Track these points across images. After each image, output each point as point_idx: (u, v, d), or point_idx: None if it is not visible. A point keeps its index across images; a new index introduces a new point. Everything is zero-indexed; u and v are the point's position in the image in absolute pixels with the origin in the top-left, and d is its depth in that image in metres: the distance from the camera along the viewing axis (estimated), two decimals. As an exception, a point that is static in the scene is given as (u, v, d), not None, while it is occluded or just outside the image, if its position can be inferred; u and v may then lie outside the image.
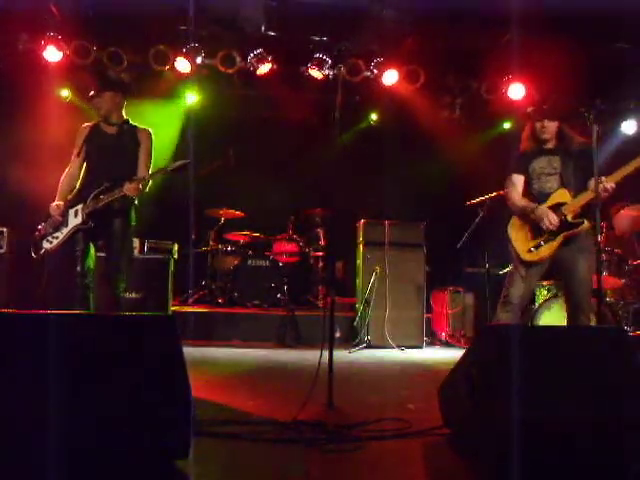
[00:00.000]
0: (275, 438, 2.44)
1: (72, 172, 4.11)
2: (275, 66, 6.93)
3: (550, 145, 3.95)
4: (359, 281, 6.08)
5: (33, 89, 6.74)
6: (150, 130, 4.16)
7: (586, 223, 3.73)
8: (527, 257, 3.81)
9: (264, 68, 6.88)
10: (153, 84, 7.04)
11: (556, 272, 3.97)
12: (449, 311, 6.17)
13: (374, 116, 8.26)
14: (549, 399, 2.16)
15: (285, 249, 7.09)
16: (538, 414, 2.12)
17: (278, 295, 6.75)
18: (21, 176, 6.35)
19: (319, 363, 2.98)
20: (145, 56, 6.65)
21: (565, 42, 5.96)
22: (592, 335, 2.65)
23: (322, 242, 7.20)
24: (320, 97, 7.20)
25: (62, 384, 1.85)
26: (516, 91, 7.06)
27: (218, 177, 7.23)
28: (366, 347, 5.66)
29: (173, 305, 6.16)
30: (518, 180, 4.02)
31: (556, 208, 3.78)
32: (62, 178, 4.10)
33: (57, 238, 3.93)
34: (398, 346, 5.62)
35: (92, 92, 4.12)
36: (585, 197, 3.73)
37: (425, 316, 6.09)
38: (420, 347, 5.86)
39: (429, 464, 2.23)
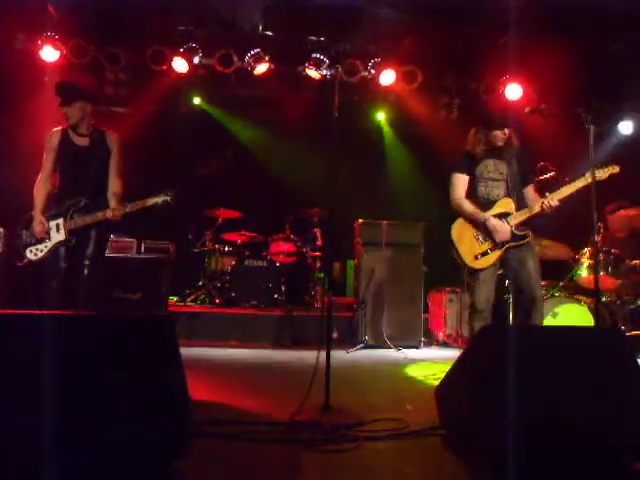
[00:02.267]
0: (272, 438, 2.44)
1: (44, 181, 4.04)
2: (272, 66, 6.94)
3: (497, 149, 3.95)
4: (357, 281, 6.08)
5: (30, 89, 6.72)
6: (118, 135, 4.13)
7: (530, 235, 3.84)
8: (474, 265, 3.83)
9: (261, 68, 6.88)
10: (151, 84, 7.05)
11: (504, 269, 3.96)
12: (447, 311, 6.17)
13: (381, 115, 8.28)
14: (547, 399, 2.17)
15: (282, 249, 7.08)
16: (536, 414, 2.13)
17: (275, 295, 6.75)
18: (18, 176, 6.33)
19: (316, 363, 2.98)
20: (142, 56, 6.64)
21: (562, 43, 5.98)
22: (590, 335, 2.66)
23: (319, 242, 7.20)
24: (317, 97, 7.20)
25: (59, 384, 1.84)
26: (513, 91, 7.07)
27: (216, 177, 7.24)
28: (364, 347, 5.66)
29: (170, 305, 6.15)
30: (462, 180, 3.95)
31: (500, 217, 3.83)
32: (36, 186, 4.02)
33: (41, 251, 3.94)
34: (396, 346, 5.62)
35: (61, 101, 3.99)
36: (531, 211, 3.84)
37: (423, 316, 6.10)
38: (418, 347, 5.86)
39: (426, 464, 2.23)
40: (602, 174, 3.78)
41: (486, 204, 3.88)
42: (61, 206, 3.96)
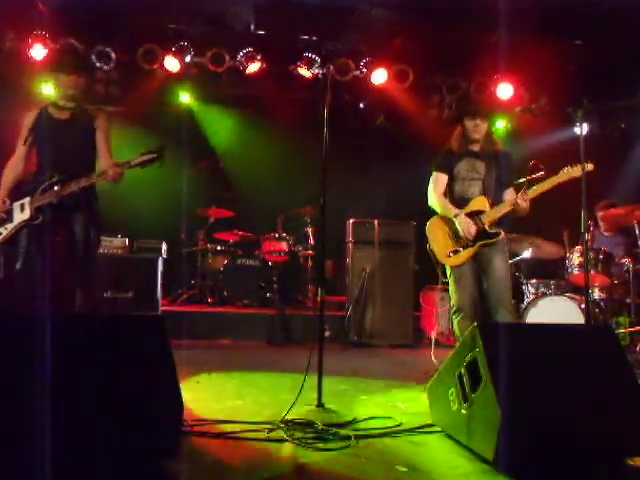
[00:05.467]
0: (265, 437, 2.44)
1: (16, 163, 3.68)
2: (264, 65, 6.93)
3: (476, 147, 3.95)
4: (349, 280, 6.09)
5: (19, 88, 6.68)
6: (104, 112, 3.77)
7: (502, 234, 3.81)
8: (446, 262, 3.84)
9: (253, 67, 6.88)
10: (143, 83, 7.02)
11: (475, 268, 3.92)
12: (438, 310, 6.19)
13: (372, 113, 8.28)
14: (538, 397, 2.18)
15: (275, 248, 7.08)
16: (527, 412, 2.14)
17: (268, 294, 6.74)
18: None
19: (309, 362, 2.98)
20: (134, 55, 6.61)
21: (553, 42, 6.01)
22: (581, 333, 2.68)
23: (311, 241, 7.20)
24: (309, 96, 7.20)
25: (48, 383, 1.84)
26: (504, 90, 7.10)
27: (207, 176, 7.22)
28: (356, 346, 5.67)
29: (163, 305, 6.13)
30: (441, 179, 3.98)
31: (474, 215, 3.82)
32: (5, 170, 3.68)
33: (0, 234, 3.52)
34: (388, 344, 5.64)
35: (66, 71, 3.63)
36: (503, 209, 3.83)
37: (414, 315, 6.11)
38: (409, 345, 5.88)
39: (419, 462, 2.24)
40: (576, 171, 3.77)
41: (461, 202, 3.89)
42: (30, 188, 3.55)
